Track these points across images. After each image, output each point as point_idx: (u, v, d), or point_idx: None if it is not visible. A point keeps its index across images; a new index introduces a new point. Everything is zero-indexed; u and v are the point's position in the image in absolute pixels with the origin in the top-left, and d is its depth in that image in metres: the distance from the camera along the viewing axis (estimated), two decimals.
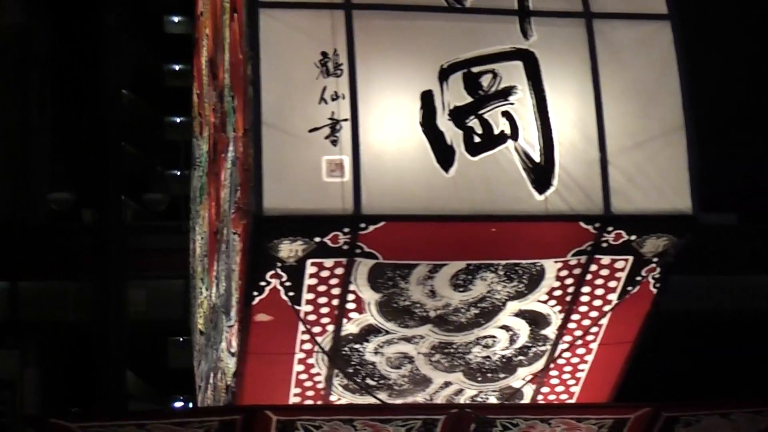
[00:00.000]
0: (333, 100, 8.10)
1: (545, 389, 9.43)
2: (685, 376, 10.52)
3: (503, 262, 8.43)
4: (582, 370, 9.32)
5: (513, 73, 8.43)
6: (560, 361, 9.25)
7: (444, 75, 8.31)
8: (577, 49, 8.54)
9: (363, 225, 8.03)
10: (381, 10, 8.40)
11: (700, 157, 8.52)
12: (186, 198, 16.03)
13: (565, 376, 9.38)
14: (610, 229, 8.36)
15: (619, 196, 8.37)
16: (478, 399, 9.32)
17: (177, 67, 20.54)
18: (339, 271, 8.29)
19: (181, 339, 17.98)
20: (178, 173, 20.67)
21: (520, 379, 9.30)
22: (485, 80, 8.37)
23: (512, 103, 8.36)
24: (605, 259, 8.57)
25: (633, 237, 8.43)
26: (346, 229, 8.03)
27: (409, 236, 8.20)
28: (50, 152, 18.49)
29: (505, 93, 8.37)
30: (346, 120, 8.08)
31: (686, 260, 8.76)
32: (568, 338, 9.08)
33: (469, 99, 8.33)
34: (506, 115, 8.33)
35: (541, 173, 8.31)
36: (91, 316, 17.71)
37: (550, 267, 8.52)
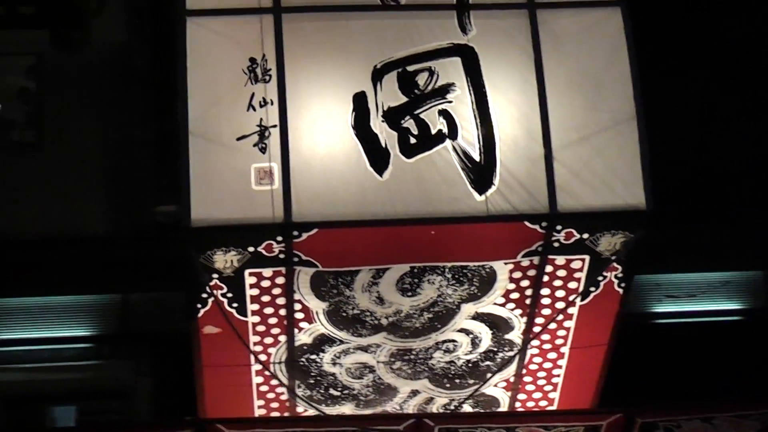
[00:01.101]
0: (261, 106, 7.92)
1: (522, 396, 9.11)
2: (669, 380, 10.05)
3: (449, 264, 8.15)
4: (557, 375, 8.97)
5: (450, 70, 8.14)
6: (533, 367, 8.93)
7: (378, 75, 8.07)
8: (519, 42, 8.22)
9: (296, 233, 7.81)
10: (312, 12, 8.17)
11: (652, 149, 8.08)
12: None
13: (541, 382, 9.04)
14: (558, 227, 8.02)
15: (565, 193, 8.02)
16: (451, 407, 9.04)
17: None
18: (280, 280, 8.10)
19: None
20: None
21: (493, 385, 8.98)
22: (421, 79, 8.11)
23: (450, 101, 8.08)
24: (560, 259, 8.22)
25: (585, 235, 8.07)
26: (279, 238, 7.84)
27: (345, 242, 7.97)
28: (155, 165, 18.90)
29: (443, 91, 8.09)
30: (274, 126, 7.90)
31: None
32: (535, 342, 8.74)
33: (404, 99, 8.08)
34: (444, 113, 8.05)
35: (481, 172, 8.00)
36: None
37: (501, 269, 8.21)
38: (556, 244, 8.08)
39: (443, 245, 8.05)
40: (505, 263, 8.17)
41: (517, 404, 9.11)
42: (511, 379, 8.96)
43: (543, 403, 9.12)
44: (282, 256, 7.91)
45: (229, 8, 8.16)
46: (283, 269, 8.01)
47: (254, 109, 7.91)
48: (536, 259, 8.18)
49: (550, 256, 8.18)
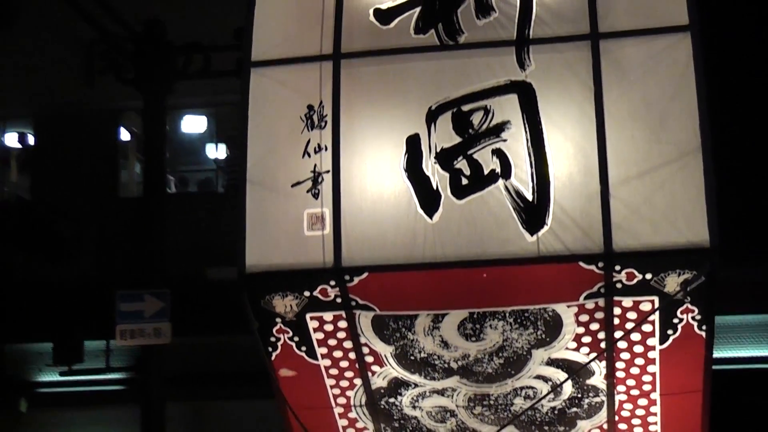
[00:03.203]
0: (316, 152, 8.08)
1: None
2: None
3: (508, 308, 7.97)
4: (654, 423, 8.56)
5: (506, 108, 7.98)
6: (625, 414, 8.57)
7: (432, 116, 8.04)
8: (579, 74, 7.94)
9: (347, 277, 7.90)
10: (370, 56, 8.24)
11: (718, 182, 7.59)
12: None
13: (638, 430, 8.63)
14: (617, 268, 7.67)
15: (623, 231, 7.65)
16: None
17: None
18: (342, 324, 8.21)
19: None
20: None
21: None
22: (476, 118, 8.00)
23: (504, 140, 7.93)
24: (627, 301, 7.84)
25: (648, 275, 7.67)
26: (333, 282, 7.95)
27: (398, 286, 7.98)
28: None
29: (497, 129, 7.95)
30: (327, 172, 8.03)
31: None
32: (622, 388, 8.39)
33: (457, 139, 7.99)
34: (497, 152, 7.91)
35: (533, 212, 7.79)
36: None
37: (565, 312, 7.94)
38: (618, 285, 7.73)
39: (498, 288, 7.88)
40: (568, 306, 7.89)
41: None
42: (605, 426, 8.63)
43: None
44: (339, 300, 8.01)
45: (292, 57, 8.34)
46: (343, 313, 8.10)
47: (309, 156, 8.07)
48: (601, 302, 7.85)
49: (616, 298, 7.82)
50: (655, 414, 8.46)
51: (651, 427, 8.56)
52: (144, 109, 11.54)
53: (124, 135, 15.70)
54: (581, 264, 7.66)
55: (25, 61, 14.63)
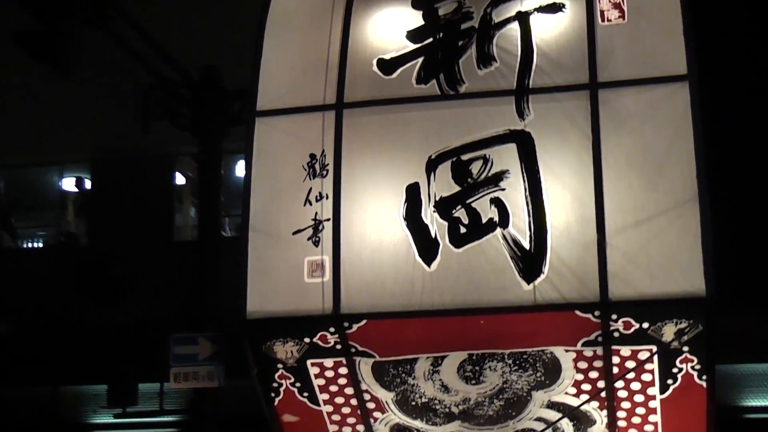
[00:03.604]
0: (317, 200, 8.21)
1: None
2: None
3: (507, 351, 8.02)
4: None
5: (505, 156, 8.08)
6: None
7: (432, 165, 8.15)
8: (578, 123, 8.01)
9: (346, 324, 7.99)
10: (373, 105, 8.36)
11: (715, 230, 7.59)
12: None
13: None
14: (614, 316, 7.69)
15: (619, 280, 7.68)
16: None
17: None
18: (343, 371, 8.30)
19: None
20: None
21: None
22: (475, 167, 8.10)
23: (503, 189, 8.01)
24: (624, 350, 7.87)
25: (645, 324, 7.69)
26: (332, 329, 8.05)
27: (397, 332, 8.07)
28: None
29: (496, 178, 8.04)
30: (328, 220, 8.15)
31: None
32: None
33: (456, 188, 8.10)
34: (496, 201, 7.99)
35: (530, 261, 7.85)
36: None
37: (563, 356, 7.99)
38: (616, 334, 7.75)
39: (496, 334, 7.97)
40: (566, 350, 7.93)
41: None
42: None
43: None
44: (339, 347, 8.11)
45: (296, 107, 8.50)
46: (343, 360, 8.20)
47: (310, 204, 8.21)
48: (599, 350, 7.87)
49: (614, 347, 7.85)
50: None
51: None
52: (199, 153, 11.72)
53: (180, 179, 15.94)
54: (577, 312, 7.71)
55: (83, 106, 14.94)
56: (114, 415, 13.64)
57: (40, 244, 16.54)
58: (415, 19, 8.64)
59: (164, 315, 13.52)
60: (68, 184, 16.27)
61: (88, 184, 16.05)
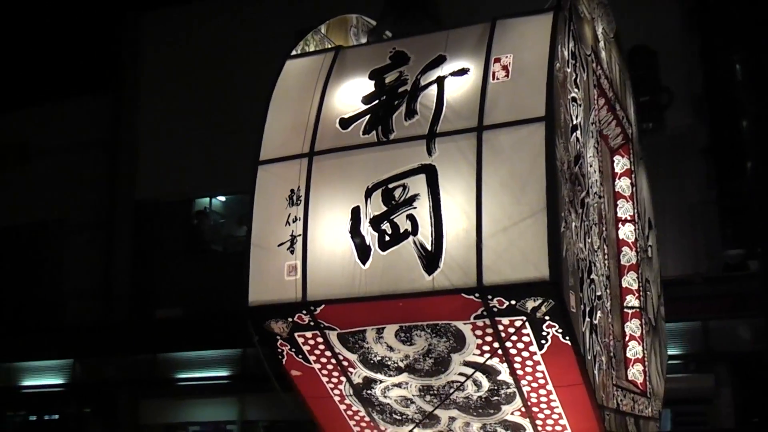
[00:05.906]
0: (293, 222, 11.54)
1: (539, 422, 11.61)
2: None
3: (424, 323, 11.08)
4: (557, 407, 11.34)
5: (417, 184, 11.09)
6: (533, 400, 11.38)
7: (369, 193, 11.26)
8: (467, 156, 10.89)
9: (313, 308, 11.33)
10: (333, 152, 11.67)
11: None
12: None
13: (547, 412, 11.46)
14: (490, 297, 10.62)
15: (491, 271, 10.55)
16: (488, 429, 11.84)
17: None
18: (320, 339, 11.60)
19: None
20: None
21: (510, 413, 11.62)
22: (397, 192, 11.13)
23: (415, 207, 11.03)
24: (504, 320, 10.75)
25: (513, 301, 10.56)
26: (304, 312, 11.39)
27: (347, 312, 11.26)
28: (720, 219, 25.16)
29: (411, 200, 11.07)
30: (299, 235, 11.49)
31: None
32: (524, 382, 11.28)
33: (384, 208, 11.15)
34: (410, 217, 11.03)
35: (431, 259, 10.85)
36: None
37: (463, 327, 10.92)
38: (495, 309, 10.66)
39: (412, 311, 11.01)
40: (464, 323, 10.89)
41: (539, 428, 11.60)
42: (523, 409, 11.47)
43: (558, 428, 11.52)
44: (312, 324, 11.42)
45: (284, 156, 11.89)
46: (317, 332, 11.50)
47: (289, 224, 11.53)
48: (488, 321, 10.83)
49: (496, 318, 10.77)
50: (555, 400, 11.22)
51: (556, 410, 11.30)
52: None
53: None
54: (463, 295, 10.67)
55: None
56: None
57: None
58: (369, 87, 11.79)
59: None
60: None
61: None
